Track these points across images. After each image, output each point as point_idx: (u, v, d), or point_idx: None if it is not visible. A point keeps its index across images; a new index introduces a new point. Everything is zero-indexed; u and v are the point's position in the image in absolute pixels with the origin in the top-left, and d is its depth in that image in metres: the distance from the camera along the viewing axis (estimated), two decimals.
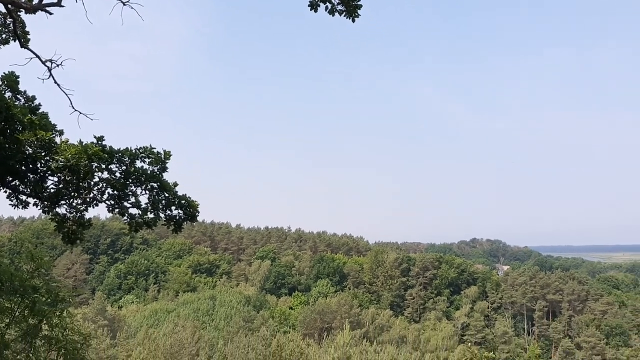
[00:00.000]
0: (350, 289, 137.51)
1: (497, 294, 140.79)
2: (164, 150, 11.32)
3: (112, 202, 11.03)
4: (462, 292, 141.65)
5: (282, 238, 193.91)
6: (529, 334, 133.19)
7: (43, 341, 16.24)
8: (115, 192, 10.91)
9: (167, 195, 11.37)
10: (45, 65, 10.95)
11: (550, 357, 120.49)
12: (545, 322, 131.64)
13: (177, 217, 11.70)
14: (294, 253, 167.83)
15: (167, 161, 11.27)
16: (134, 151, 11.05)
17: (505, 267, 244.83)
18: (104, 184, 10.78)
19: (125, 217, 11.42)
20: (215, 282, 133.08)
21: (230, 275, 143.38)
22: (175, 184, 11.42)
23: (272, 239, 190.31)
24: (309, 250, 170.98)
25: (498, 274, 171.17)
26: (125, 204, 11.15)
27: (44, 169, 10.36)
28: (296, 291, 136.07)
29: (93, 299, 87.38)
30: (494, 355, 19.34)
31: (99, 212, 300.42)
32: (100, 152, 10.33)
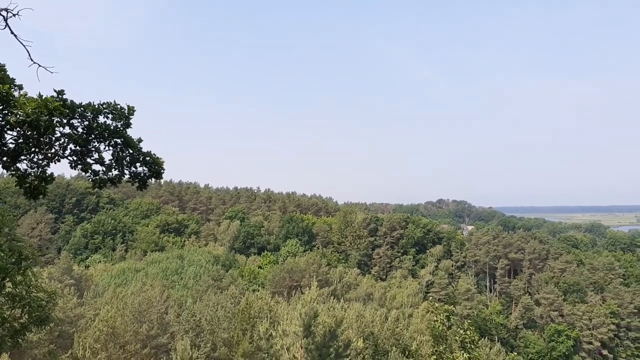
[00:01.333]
0: (318, 249, 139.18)
1: (461, 252, 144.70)
2: (128, 106, 11.07)
3: (75, 158, 10.78)
4: (427, 251, 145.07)
5: (252, 198, 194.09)
6: (490, 291, 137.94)
7: (6, 298, 16.15)
8: (77, 147, 10.66)
9: (131, 151, 11.18)
10: (1, 15, 10.42)
11: (511, 313, 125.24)
12: (506, 279, 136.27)
13: (142, 174, 11.53)
14: (263, 213, 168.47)
15: (131, 117, 11.03)
16: (96, 106, 10.75)
17: (470, 227, 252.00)
18: (66, 140, 10.52)
19: (89, 174, 11.21)
20: (184, 241, 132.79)
21: (198, 235, 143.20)
22: (140, 140, 11.23)
23: (241, 199, 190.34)
24: (278, 211, 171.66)
25: (463, 234, 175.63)
26: (89, 160, 10.91)
27: (2, 123, 10.03)
28: (265, 251, 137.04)
29: (59, 259, 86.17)
30: (453, 309, 20.11)
31: (64, 171, 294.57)
32: (61, 107, 10.03)
